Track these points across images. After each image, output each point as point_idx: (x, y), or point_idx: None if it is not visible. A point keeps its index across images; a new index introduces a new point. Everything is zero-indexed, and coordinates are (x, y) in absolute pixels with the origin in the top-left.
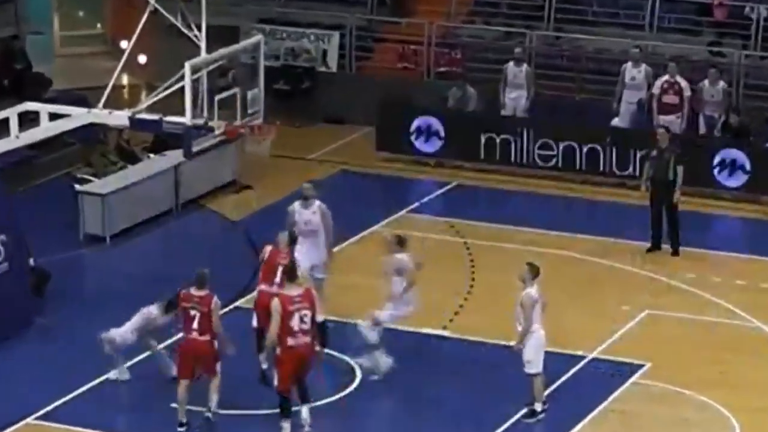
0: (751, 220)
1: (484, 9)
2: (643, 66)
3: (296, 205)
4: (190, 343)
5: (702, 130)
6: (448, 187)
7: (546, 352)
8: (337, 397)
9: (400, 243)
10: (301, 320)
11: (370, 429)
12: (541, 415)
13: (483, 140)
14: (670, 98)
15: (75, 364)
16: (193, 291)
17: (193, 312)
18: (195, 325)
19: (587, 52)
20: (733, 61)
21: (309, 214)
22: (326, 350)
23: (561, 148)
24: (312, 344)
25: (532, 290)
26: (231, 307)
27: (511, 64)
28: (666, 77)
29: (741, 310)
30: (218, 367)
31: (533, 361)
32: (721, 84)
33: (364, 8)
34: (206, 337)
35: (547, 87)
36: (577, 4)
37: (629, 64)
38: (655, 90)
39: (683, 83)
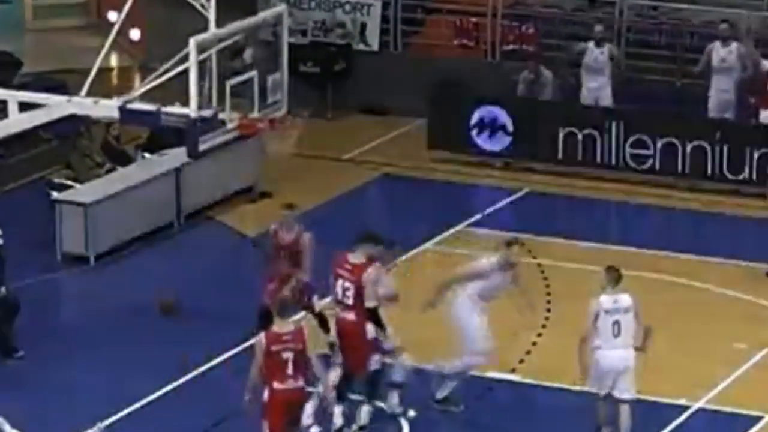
0: None
1: None
2: (734, 44)
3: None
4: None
5: None
6: (518, 195)
7: (641, 401)
8: None
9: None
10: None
11: None
12: None
13: (561, 136)
14: None
15: (46, 414)
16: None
17: (285, 355)
18: (289, 369)
19: (692, 25)
20: None
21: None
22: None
23: (659, 146)
24: (304, 389)
25: (604, 297)
26: (246, 345)
27: (591, 44)
28: None
29: None
30: None
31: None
32: None
33: None
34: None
35: (640, 70)
36: None
37: (718, 43)
38: None
39: None
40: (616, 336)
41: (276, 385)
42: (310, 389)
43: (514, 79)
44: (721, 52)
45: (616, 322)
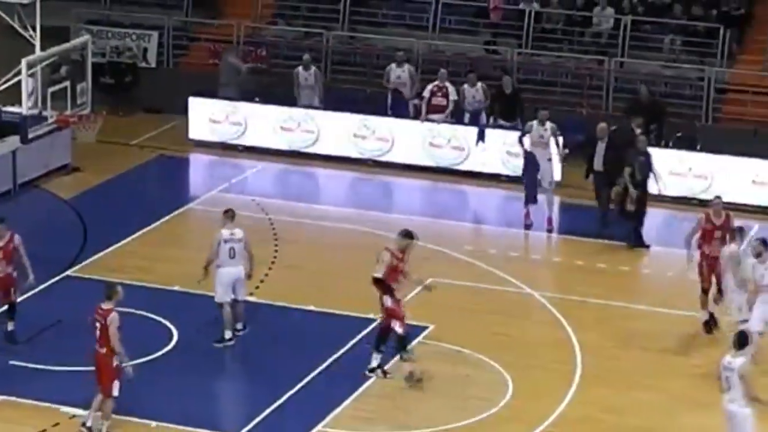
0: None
1: (286, 11)
2: (407, 66)
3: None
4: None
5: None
6: (255, 169)
7: (344, 315)
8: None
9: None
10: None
11: (187, 384)
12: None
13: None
14: (439, 100)
15: None
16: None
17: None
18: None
19: (378, 49)
20: (507, 58)
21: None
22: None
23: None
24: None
25: (224, 231)
26: (62, 276)
27: (300, 68)
28: (436, 82)
29: (514, 279)
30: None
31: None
32: (480, 85)
33: (180, 11)
34: (103, 350)
35: (339, 81)
36: (368, 7)
37: (394, 64)
38: (426, 93)
39: (450, 87)
40: (232, 258)
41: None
42: None
43: (251, 89)
44: (396, 71)
45: (232, 249)
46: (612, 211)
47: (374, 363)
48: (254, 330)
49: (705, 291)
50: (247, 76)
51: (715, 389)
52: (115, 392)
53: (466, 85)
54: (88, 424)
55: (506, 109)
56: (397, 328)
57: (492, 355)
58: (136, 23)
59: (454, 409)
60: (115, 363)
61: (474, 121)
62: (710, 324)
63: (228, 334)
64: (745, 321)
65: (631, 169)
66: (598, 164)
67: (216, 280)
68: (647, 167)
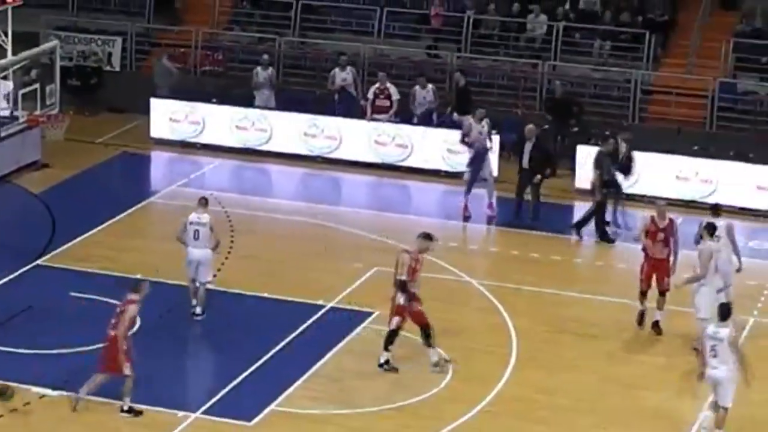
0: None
1: (241, 18)
2: (350, 69)
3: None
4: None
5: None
6: (211, 166)
7: (295, 302)
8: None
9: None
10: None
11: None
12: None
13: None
14: (382, 101)
15: None
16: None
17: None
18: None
19: (327, 54)
20: (447, 61)
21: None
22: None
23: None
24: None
25: (193, 215)
26: (32, 265)
27: (259, 68)
28: (377, 84)
29: (453, 267)
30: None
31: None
32: (430, 86)
33: (142, 18)
34: (113, 333)
35: (291, 83)
36: (318, 14)
37: (337, 69)
38: (370, 95)
39: (392, 89)
40: (196, 239)
41: None
42: None
43: (209, 91)
44: (341, 75)
45: (196, 231)
46: (528, 203)
47: (382, 359)
48: (212, 315)
49: (643, 293)
50: (179, 78)
51: (639, 370)
52: (127, 371)
53: (417, 87)
54: (82, 395)
55: (459, 103)
56: (393, 324)
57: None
58: (101, 29)
59: (397, 390)
60: (125, 346)
61: (425, 121)
62: (644, 316)
63: (198, 309)
64: (705, 319)
65: (600, 171)
66: (525, 162)
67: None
68: (615, 168)
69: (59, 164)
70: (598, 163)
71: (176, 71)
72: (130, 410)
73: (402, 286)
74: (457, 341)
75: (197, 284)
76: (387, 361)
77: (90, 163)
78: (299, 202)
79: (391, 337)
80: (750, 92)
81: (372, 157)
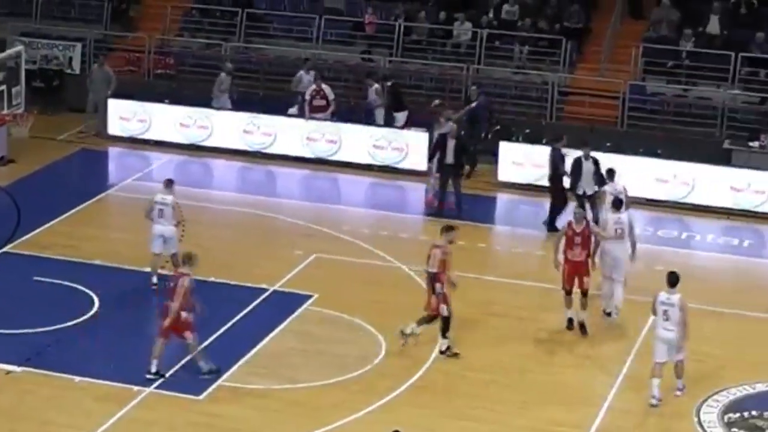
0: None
1: (190, 25)
2: (312, 72)
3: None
4: None
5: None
6: (162, 161)
7: (240, 286)
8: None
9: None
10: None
11: (105, 344)
12: None
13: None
14: (318, 102)
15: None
16: (180, 268)
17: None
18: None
19: (269, 58)
20: (380, 65)
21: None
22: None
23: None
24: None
25: (159, 196)
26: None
27: (223, 74)
28: (314, 86)
29: (385, 254)
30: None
31: None
32: (376, 86)
33: (100, 25)
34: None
35: (244, 86)
36: (261, 22)
37: (302, 72)
38: (307, 96)
39: (327, 89)
40: (161, 217)
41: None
42: None
43: (159, 93)
44: (307, 77)
45: (161, 209)
46: (450, 193)
47: (443, 347)
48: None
49: (568, 292)
50: (117, 84)
51: (556, 348)
52: (190, 339)
53: (369, 88)
54: (153, 369)
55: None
56: (444, 311)
57: (367, 320)
58: (62, 36)
59: (334, 367)
60: (183, 316)
61: (371, 118)
62: (572, 322)
63: (154, 279)
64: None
65: (559, 168)
66: (449, 158)
67: None
68: (562, 168)
69: (24, 160)
70: (554, 161)
71: (114, 78)
72: (210, 372)
73: (434, 279)
74: (389, 321)
75: (173, 255)
76: (448, 348)
77: (52, 158)
78: (240, 194)
79: (446, 323)
80: (657, 93)
81: (305, 152)
